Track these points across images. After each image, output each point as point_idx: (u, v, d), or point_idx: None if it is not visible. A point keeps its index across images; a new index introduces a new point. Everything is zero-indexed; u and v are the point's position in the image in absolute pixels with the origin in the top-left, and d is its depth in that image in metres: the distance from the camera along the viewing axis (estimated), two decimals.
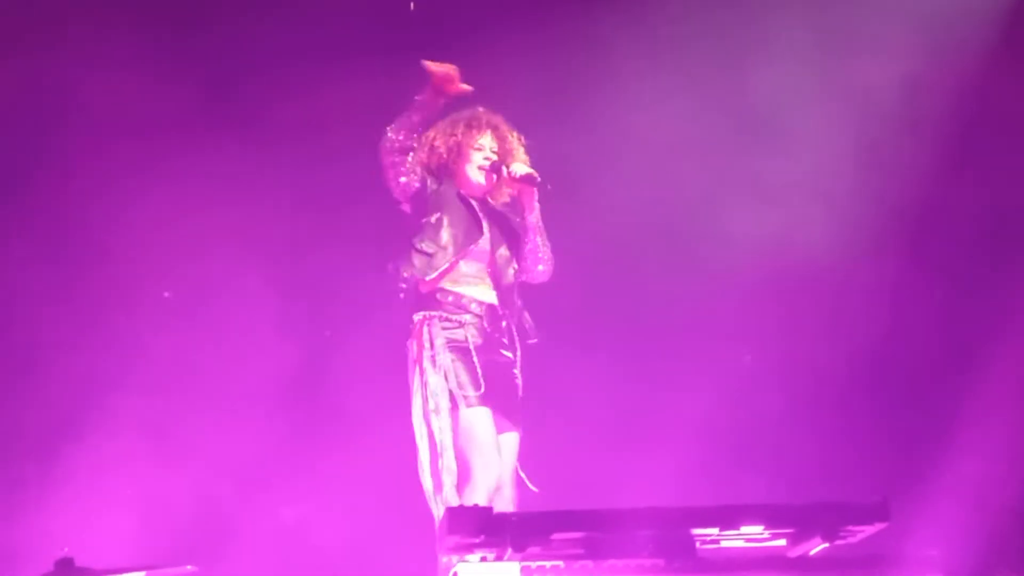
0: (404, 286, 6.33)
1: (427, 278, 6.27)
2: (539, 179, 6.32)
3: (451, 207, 6.38)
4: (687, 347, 7.65)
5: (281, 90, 7.56)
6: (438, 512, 6.12)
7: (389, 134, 6.29)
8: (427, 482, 6.15)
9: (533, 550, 4.63)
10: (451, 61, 6.30)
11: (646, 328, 7.68)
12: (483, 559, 4.63)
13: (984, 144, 7.74)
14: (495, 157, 6.43)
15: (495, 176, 6.42)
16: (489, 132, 6.45)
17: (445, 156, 6.42)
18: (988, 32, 7.75)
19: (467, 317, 6.30)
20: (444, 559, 5.84)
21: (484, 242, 6.39)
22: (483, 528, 4.62)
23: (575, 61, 7.76)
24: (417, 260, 6.31)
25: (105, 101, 7.48)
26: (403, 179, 6.33)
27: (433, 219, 6.36)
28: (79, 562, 5.45)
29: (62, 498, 7.32)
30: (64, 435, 7.44)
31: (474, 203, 6.45)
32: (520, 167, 6.36)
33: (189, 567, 5.66)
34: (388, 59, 7.13)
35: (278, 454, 7.51)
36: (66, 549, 5.43)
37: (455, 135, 6.43)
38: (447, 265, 6.28)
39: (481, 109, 6.48)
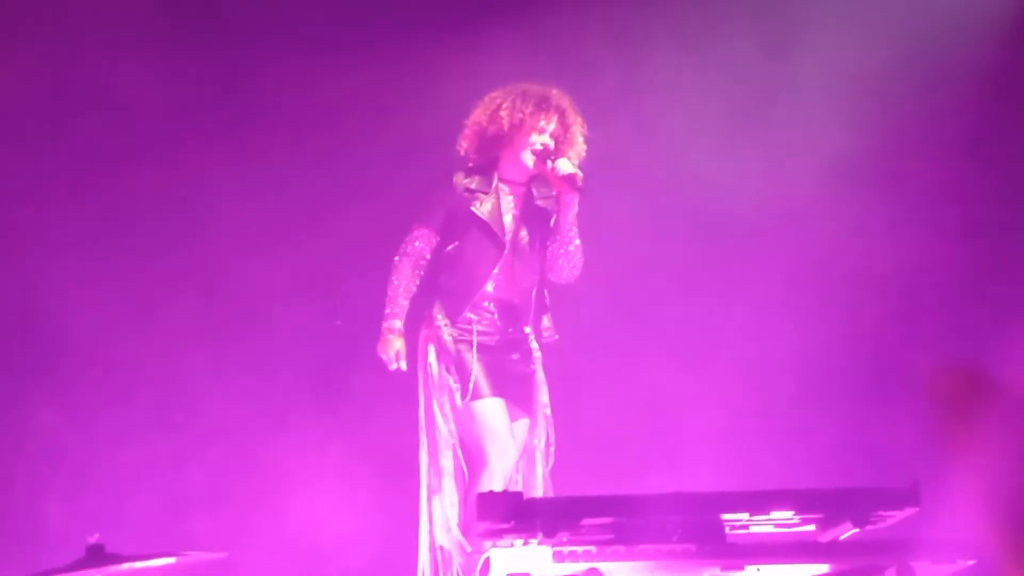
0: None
1: (472, 323, 6.25)
2: (581, 182, 6.21)
3: (474, 227, 6.34)
4: (713, 331, 7.64)
5: (303, 78, 7.57)
6: (425, 507, 6.15)
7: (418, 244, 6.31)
8: (425, 477, 6.18)
9: (563, 535, 4.63)
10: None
11: (671, 311, 7.65)
12: (514, 544, 4.64)
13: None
14: (552, 143, 6.29)
15: (541, 163, 6.29)
16: (556, 116, 6.29)
17: (506, 129, 6.28)
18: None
19: (480, 311, 6.29)
20: (463, 550, 5.91)
21: (512, 246, 6.34)
22: (514, 513, 4.62)
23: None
24: (443, 298, 6.29)
25: (130, 90, 7.51)
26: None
27: (455, 248, 6.31)
28: (110, 548, 5.47)
29: (93, 484, 7.35)
30: (95, 421, 7.47)
31: (509, 197, 6.38)
32: (565, 164, 6.21)
33: (220, 553, 5.69)
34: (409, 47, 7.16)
35: (297, 442, 7.52)
36: (97, 535, 5.43)
37: (523, 112, 6.27)
38: (475, 296, 6.26)
39: (555, 91, 6.32)
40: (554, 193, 6.30)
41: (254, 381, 7.54)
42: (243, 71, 7.59)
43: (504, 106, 6.30)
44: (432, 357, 6.23)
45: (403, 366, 6.27)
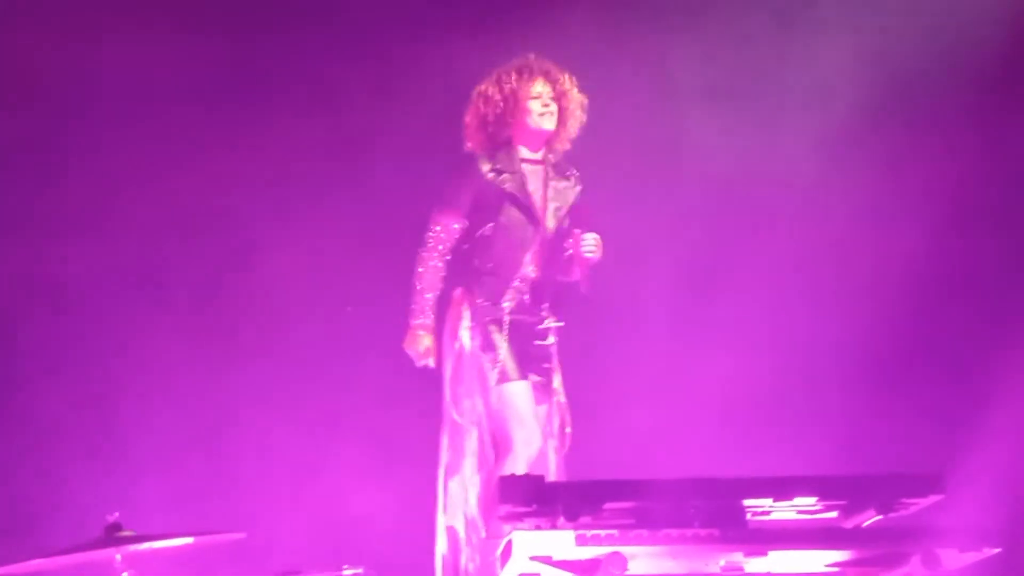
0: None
1: (503, 303, 6.24)
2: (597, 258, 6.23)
3: (507, 206, 6.30)
4: (736, 315, 7.62)
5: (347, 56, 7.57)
6: (441, 491, 6.13)
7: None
8: (445, 457, 6.16)
9: (585, 519, 4.62)
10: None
11: (694, 295, 7.63)
12: (536, 527, 4.62)
13: None
14: (554, 106, 6.30)
15: (556, 123, 6.30)
16: (541, 78, 6.31)
17: (502, 106, 6.28)
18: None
19: (508, 292, 6.27)
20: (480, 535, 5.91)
21: (543, 222, 6.32)
22: (535, 497, 4.61)
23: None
24: (482, 282, 6.26)
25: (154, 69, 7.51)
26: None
27: (489, 230, 6.30)
28: (127, 527, 5.47)
29: (111, 463, 7.36)
30: (116, 401, 7.48)
31: (533, 170, 6.37)
32: (589, 245, 6.23)
33: (238, 534, 5.69)
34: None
35: (312, 425, 7.53)
36: (116, 514, 5.43)
37: (509, 83, 6.29)
38: (515, 283, 6.24)
39: (531, 56, 6.35)
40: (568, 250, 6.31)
41: (269, 363, 7.54)
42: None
43: (489, 87, 6.32)
44: (464, 336, 6.21)
45: (431, 363, 6.24)
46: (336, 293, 7.59)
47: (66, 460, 7.39)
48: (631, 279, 7.49)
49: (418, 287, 6.27)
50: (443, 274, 6.29)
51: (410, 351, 6.24)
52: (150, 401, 7.46)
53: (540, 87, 6.30)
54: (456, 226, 6.27)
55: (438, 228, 6.29)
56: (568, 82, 6.34)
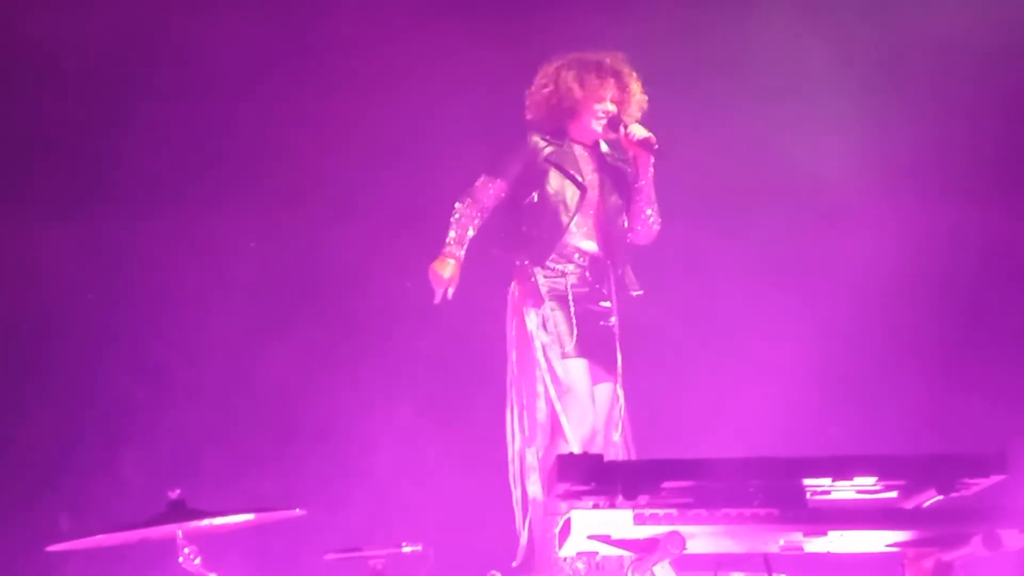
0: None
1: (545, 263, 6.23)
2: (656, 145, 6.27)
3: (552, 172, 6.32)
4: (793, 295, 7.59)
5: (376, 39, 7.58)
6: (517, 461, 6.14)
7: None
8: (518, 429, 6.16)
9: (643, 498, 4.60)
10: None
11: (752, 276, 7.62)
12: (595, 506, 4.62)
13: None
14: (614, 109, 6.38)
15: (612, 130, 6.37)
16: (613, 81, 6.38)
17: (567, 103, 6.37)
18: None
19: (570, 267, 6.28)
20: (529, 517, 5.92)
21: (593, 193, 6.36)
22: (594, 475, 4.60)
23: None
24: (529, 246, 6.28)
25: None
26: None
27: (536, 197, 6.31)
28: (191, 504, 5.51)
29: (172, 439, 7.42)
30: (167, 380, 7.54)
31: (583, 153, 6.40)
32: (639, 129, 6.31)
33: (297, 510, 5.72)
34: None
35: (366, 402, 7.55)
36: (178, 490, 5.47)
37: (581, 83, 6.37)
38: (559, 244, 6.26)
39: (607, 55, 6.42)
40: (630, 155, 6.34)
41: (326, 343, 7.57)
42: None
43: (563, 79, 6.38)
44: (528, 312, 6.22)
45: (449, 294, 6.25)
46: (397, 267, 7.62)
47: (127, 437, 7.46)
48: (697, 267, 7.49)
49: (453, 222, 6.32)
50: (478, 222, 6.33)
51: (434, 277, 6.29)
52: (210, 378, 7.51)
53: (607, 90, 6.37)
54: (495, 189, 6.31)
55: (483, 182, 6.35)
56: (636, 86, 6.41)
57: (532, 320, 6.21)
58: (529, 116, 6.49)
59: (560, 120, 6.42)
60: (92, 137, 7.62)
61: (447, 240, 6.32)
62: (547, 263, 6.28)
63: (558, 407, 6.12)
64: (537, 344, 6.17)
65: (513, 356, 6.27)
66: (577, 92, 6.35)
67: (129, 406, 7.51)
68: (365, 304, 7.63)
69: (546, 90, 6.40)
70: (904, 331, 7.55)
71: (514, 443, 6.18)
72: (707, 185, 7.54)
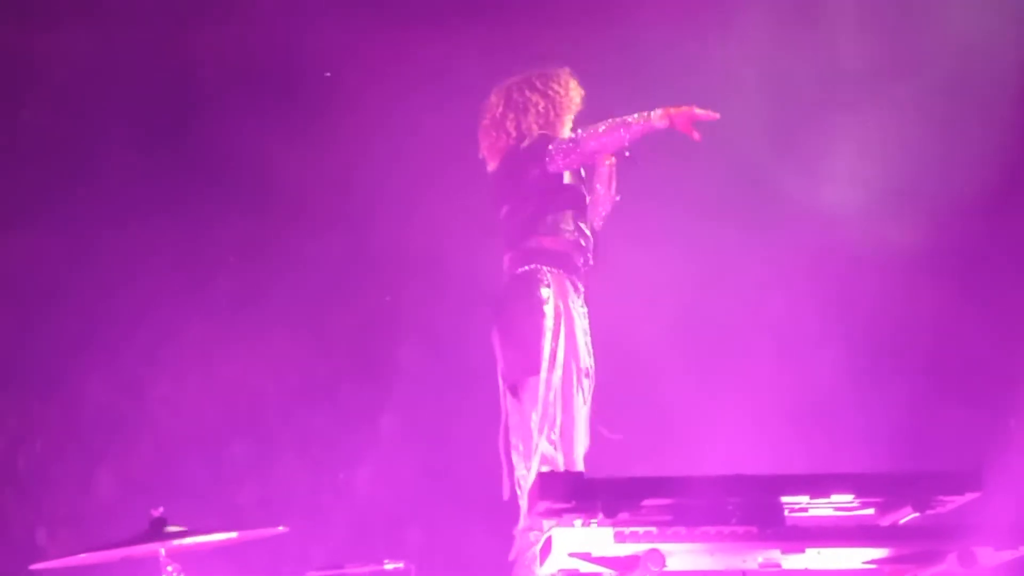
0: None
1: (568, 269, 6.24)
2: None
3: (569, 177, 6.35)
4: (773, 311, 7.63)
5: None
6: (521, 471, 6.13)
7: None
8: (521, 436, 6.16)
9: (623, 516, 4.64)
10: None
11: (731, 289, 7.65)
12: (574, 523, 4.66)
13: None
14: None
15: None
16: (578, 96, 6.42)
17: (567, 104, 6.39)
18: None
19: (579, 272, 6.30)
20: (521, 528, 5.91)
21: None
22: (574, 493, 4.63)
23: None
24: (550, 245, 6.23)
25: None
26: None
27: (560, 202, 6.31)
28: (172, 522, 5.52)
29: (159, 459, 7.43)
30: (145, 393, 7.55)
31: None
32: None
33: (280, 528, 5.74)
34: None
35: (346, 415, 7.57)
36: (161, 508, 5.48)
37: (565, 84, 6.40)
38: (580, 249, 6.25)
39: (567, 69, 6.43)
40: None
41: (306, 357, 7.59)
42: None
43: (552, 88, 6.39)
44: (550, 296, 6.19)
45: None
46: (376, 280, 7.64)
47: (109, 454, 7.46)
48: (676, 283, 7.52)
49: (616, 120, 6.19)
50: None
51: (684, 116, 6.14)
52: (191, 392, 7.52)
53: (577, 101, 6.40)
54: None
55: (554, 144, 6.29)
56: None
57: (558, 304, 6.15)
58: (534, 128, 6.42)
59: (547, 125, 6.38)
60: (70, 147, 7.61)
61: (636, 116, 6.14)
62: (569, 269, 6.28)
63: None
64: (561, 344, 6.14)
65: (548, 338, 6.16)
66: (575, 95, 6.39)
67: (108, 421, 7.50)
68: (346, 318, 7.64)
69: (539, 105, 6.37)
70: (885, 348, 7.58)
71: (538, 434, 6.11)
72: (684, 198, 7.56)
